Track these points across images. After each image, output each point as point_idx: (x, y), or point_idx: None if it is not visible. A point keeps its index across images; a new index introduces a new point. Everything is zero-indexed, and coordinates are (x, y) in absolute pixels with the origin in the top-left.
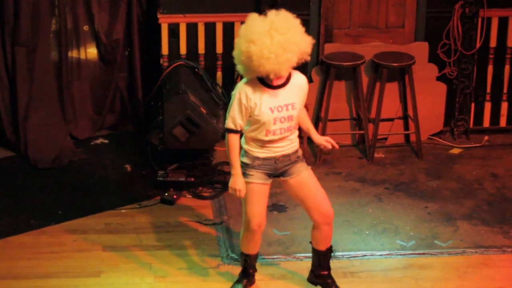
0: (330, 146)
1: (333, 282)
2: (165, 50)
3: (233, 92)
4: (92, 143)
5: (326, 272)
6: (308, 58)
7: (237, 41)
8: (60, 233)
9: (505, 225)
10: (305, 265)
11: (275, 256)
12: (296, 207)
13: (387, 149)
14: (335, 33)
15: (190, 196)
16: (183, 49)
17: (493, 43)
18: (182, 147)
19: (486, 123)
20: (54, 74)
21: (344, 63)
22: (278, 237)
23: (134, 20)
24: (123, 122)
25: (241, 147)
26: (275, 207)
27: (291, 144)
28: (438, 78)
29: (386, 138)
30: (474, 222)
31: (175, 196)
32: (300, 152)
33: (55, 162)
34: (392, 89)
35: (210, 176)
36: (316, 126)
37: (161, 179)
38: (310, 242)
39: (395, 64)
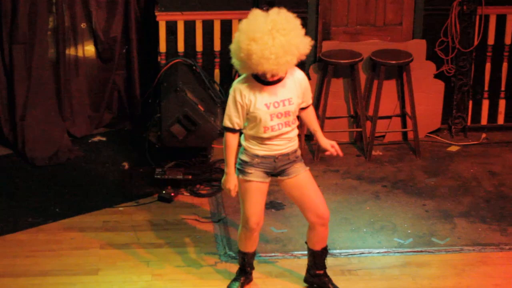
0: (335, 153)
1: (330, 280)
2: (162, 47)
3: (230, 90)
4: (89, 141)
5: (322, 272)
6: (304, 58)
7: (237, 36)
8: (58, 231)
9: (502, 222)
10: (302, 263)
11: (272, 254)
12: (293, 205)
13: (385, 146)
14: (333, 30)
15: (187, 194)
16: (180, 47)
17: (490, 40)
18: (179, 145)
19: (484, 120)
20: (52, 72)
21: (342, 61)
22: (276, 235)
23: (132, 17)
24: (121, 119)
25: (240, 145)
26: (273, 205)
27: (290, 143)
28: (436, 76)
29: (383, 136)
30: (471, 220)
31: (172, 194)
32: (299, 152)
33: (52, 160)
34: (390, 87)
35: (207, 174)
36: None
37: (158, 176)
38: (306, 243)
39: (393, 62)
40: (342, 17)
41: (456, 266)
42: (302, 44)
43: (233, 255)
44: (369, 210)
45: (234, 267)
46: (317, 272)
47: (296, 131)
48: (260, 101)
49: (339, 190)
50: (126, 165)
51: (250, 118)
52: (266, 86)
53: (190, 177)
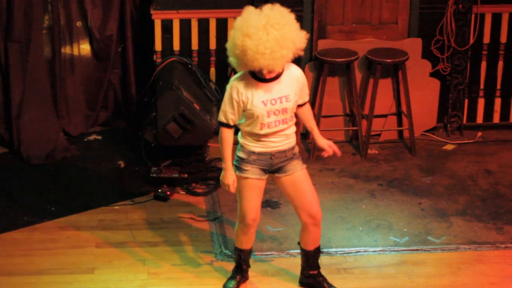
0: (331, 152)
1: (324, 279)
2: (158, 46)
3: (226, 87)
4: (85, 140)
5: (315, 272)
6: (302, 53)
7: (232, 34)
8: (53, 230)
9: (498, 221)
10: (298, 261)
11: (268, 253)
12: (289, 204)
13: (380, 145)
14: (329, 29)
15: (183, 193)
16: (176, 45)
17: (486, 39)
18: (175, 144)
19: (480, 119)
20: (47, 70)
21: (338, 59)
22: (272, 233)
23: (127, 16)
24: (116, 118)
25: (237, 142)
26: (269, 203)
27: (287, 140)
28: (432, 74)
29: (379, 134)
30: (467, 218)
31: (168, 193)
32: (296, 149)
33: (48, 159)
34: (385, 85)
35: (203, 172)
36: None
37: (154, 175)
38: (298, 243)
39: (389, 60)
40: (338, 15)
41: (452, 264)
42: (298, 38)
43: (229, 253)
44: (365, 209)
45: (230, 266)
46: (311, 272)
47: (293, 128)
48: (257, 98)
49: (335, 188)
50: (122, 163)
51: (247, 115)
52: (263, 83)
53: (186, 175)
